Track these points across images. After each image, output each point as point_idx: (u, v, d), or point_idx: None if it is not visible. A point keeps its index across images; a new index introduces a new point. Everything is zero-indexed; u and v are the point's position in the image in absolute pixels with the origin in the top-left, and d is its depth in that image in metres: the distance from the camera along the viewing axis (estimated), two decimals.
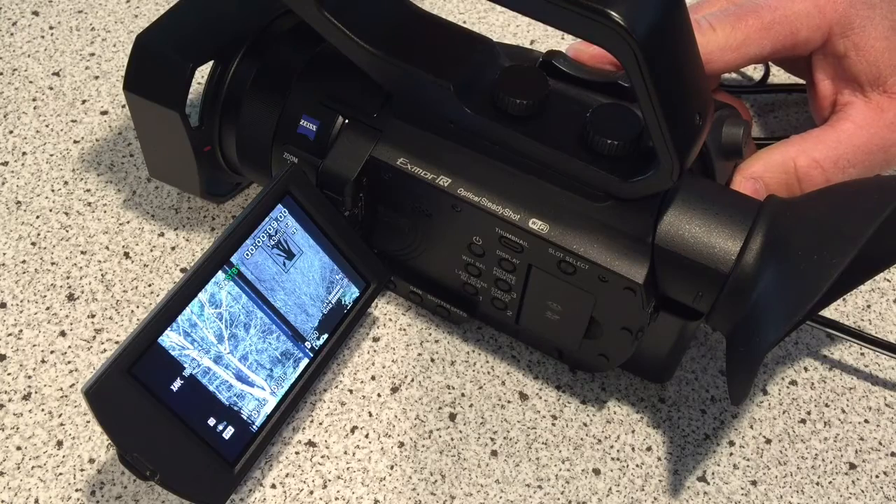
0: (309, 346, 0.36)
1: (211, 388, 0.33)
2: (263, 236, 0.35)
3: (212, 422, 0.33)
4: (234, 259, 0.34)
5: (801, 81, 0.56)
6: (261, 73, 0.38)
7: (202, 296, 0.33)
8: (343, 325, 0.38)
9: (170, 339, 0.31)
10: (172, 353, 0.32)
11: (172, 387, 0.32)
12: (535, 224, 0.33)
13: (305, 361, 0.36)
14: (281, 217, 0.35)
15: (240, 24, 0.39)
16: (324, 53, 0.38)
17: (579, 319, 0.35)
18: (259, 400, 0.34)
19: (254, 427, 0.34)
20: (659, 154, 0.30)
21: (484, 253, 0.36)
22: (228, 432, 0.33)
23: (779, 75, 0.55)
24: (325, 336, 0.37)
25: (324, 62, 0.38)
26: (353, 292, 0.38)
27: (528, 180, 0.34)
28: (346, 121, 0.37)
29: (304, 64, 0.38)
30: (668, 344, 0.36)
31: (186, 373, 0.32)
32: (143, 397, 0.31)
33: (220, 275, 0.33)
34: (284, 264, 0.35)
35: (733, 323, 0.32)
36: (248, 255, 0.34)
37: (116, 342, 0.40)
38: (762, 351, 0.29)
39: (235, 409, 0.34)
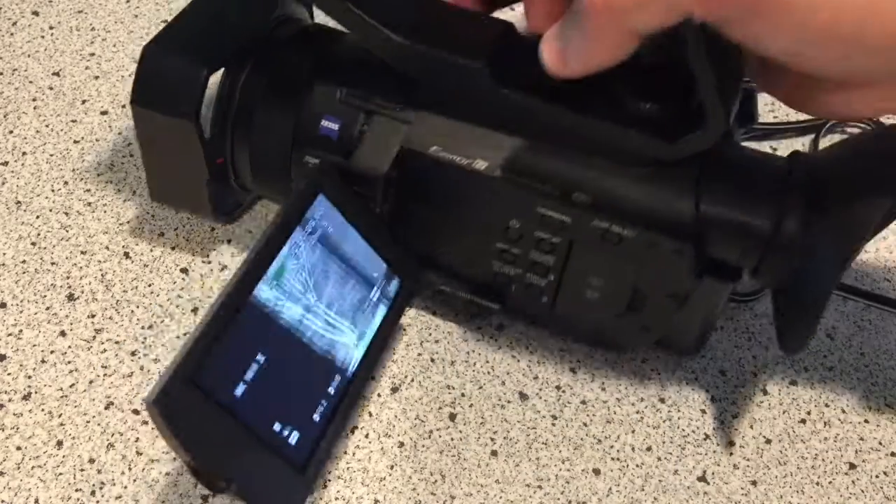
0: (381, 293, 0.36)
1: (305, 338, 0.33)
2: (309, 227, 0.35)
3: (277, 427, 0.32)
4: (307, 215, 0.34)
5: None
6: (273, 80, 0.38)
7: (284, 250, 0.33)
8: (384, 327, 0.37)
9: (263, 293, 0.31)
10: (268, 307, 0.31)
11: (238, 391, 0.31)
12: (579, 196, 0.34)
13: (384, 308, 0.36)
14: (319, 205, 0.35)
15: (245, 33, 0.39)
16: (332, 56, 0.38)
17: (622, 292, 0.35)
18: (347, 346, 0.34)
19: (348, 374, 0.34)
20: (707, 110, 0.30)
21: (521, 237, 0.35)
22: (294, 437, 0.33)
23: None
24: (396, 282, 0.37)
25: (335, 63, 0.38)
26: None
27: (567, 155, 0.34)
28: (371, 116, 0.36)
29: (315, 67, 0.37)
30: (707, 310, 0.36)
31: (261, 358, 0.31)
32: (209, 405, 0.30)
33: (297, 229, 0.33)
34: (341, 223, 0.35)
35: (781, 276, 0.33)
36: (315, 212, 0.34)
37: (117, 342, 0.40)
38: (825, 296, 0.31)
39: (329, 357, 0.33)
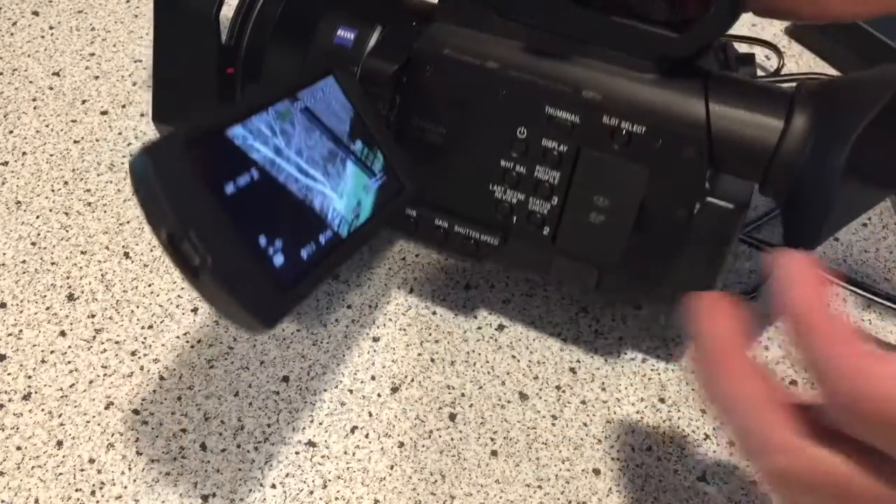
0: (348, 150, 0.35)
1: (280, 179, 0.31)
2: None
3: (263, 242, 0.30)
4: None
5: (816, 70, 0.56)
6: (291, 4, 0.39)
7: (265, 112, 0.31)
8: (377, 220, 0.35)
9: (234, 131, 0.30)
10: (237, 143, 0.29)
11: (228, 188, 0.29)
12: (588, 94, 0.34)
13: (351, 164, 0.35)
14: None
15: None
16: None
17: (629, 210, 0.35)
18: (325, 195, 0.33)
19: (333, 230, 0.32)
20: None
21: (527, 149, 0.35)
22: (279, 259, 0.30)
23: (789, 65, 0.55)
24: (360, 143, 0.35)
25: None
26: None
27: (577, 58, 0.34)
28: (386, 27, 0.37)
29: None
30: (716, 244, 0.35)
31: (252, 161, 0.30)
32: (199, 182, 0.27)
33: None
34: (344, 107, 0.35)
35: (788, 186, 0.33)
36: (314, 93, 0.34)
37: (116, 342, 0.40)
38: (832, 195, 0.31)
39: (307, 201, 0.32)
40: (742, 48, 0.57)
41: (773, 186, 0.34)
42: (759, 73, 0.56)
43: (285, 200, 0.31)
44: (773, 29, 0.60)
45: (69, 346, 0.40)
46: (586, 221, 0.35)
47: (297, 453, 0.37)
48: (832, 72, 0.57)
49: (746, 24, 0.59)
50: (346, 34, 0.38)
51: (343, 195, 0.34)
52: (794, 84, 0.35)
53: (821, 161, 0.32)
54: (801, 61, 0.58)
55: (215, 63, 0.38)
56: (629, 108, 0.33)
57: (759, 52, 0.57)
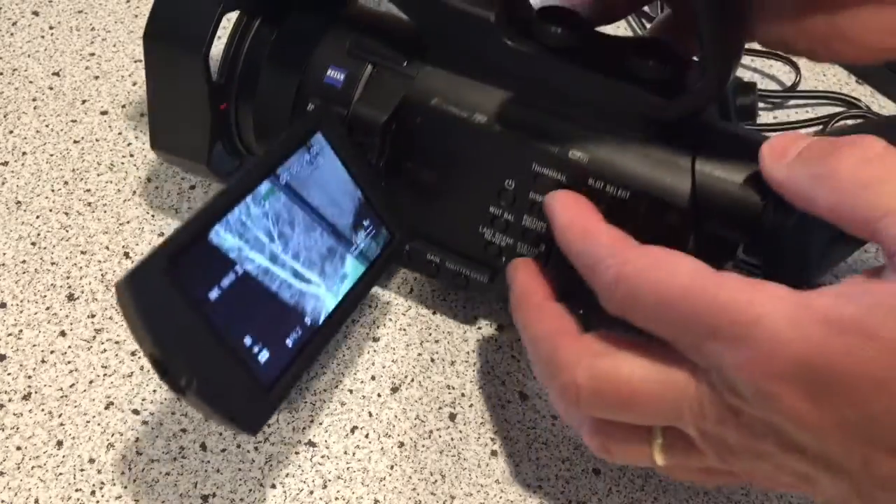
0: (349, 243, 0.36)
1: (273, 287, 0.32)
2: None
3: (248, 341, 0.31)
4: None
5: (832, 89, 0.55)
6: (285, 31, 0.39)
7: (249, 198, 0.32)
8: (367, 277, 0.37)
9: (220, 236, 0.30)
10: (222, 250, 0.30)
11: (212, 294, 0.30)
12: (575, 155, 0.34)
13: (350, 259, 0.35)
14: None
15: None
16: (347, 10, 0.39)
17: None
18: (317, 297, 0.34)
19: (318, 324, 0.33)
20: (706, 60, 0.31)
21: (515, 199, 0.36)
22: (264, 356, 0.31)
23: (809, 80, 0.55)
24: (363, 234, 0.36)
25: (349, 22, 0.38)
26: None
27: (567, 112, 0.34)
28: (376, 68, 0.37)
29: (328, 19, 0.38)
30: None
31: (240, 269, 0.30)
32: (183, 299, 0.28)
33: (265, 182, 0.32)
34: (310, 161, 0.34)
35: (775, 251, 0.33)
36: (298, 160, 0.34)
37: (117, 342, 0.40)
38: (816, 273, 0.31)
39: (299, 308, 0.33)
40: (757, 62, 0.57)
41: (757, 251, 0.34)
42: (776, 87, 0.55)
43: (273, 299, 0.32)
44: None
45: (69, 346, 0.40)
46: (573, 270, 0.36)
47: (297, 453, 0.37)
48: (854, 85, 0.56)
49: None
50: (335, 74, 0.37)
51: (336, 290, 0.35)
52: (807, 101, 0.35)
53: (808, 228, 0.32)
54: (825, 77, 0.58)
55: (206, 99, 0.38)
56: (614, 172, 0.33)
57: (779, 67, 0.56)
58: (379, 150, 0.37)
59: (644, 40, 0.33)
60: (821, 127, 0.51)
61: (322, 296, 0.34)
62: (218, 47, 0.38)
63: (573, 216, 0.32)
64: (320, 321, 0.34)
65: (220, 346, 0.29)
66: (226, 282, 0.30)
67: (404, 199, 0.38)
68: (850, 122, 0.52)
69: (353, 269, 0.35)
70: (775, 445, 0.26)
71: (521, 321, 0.33)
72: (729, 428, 0.27)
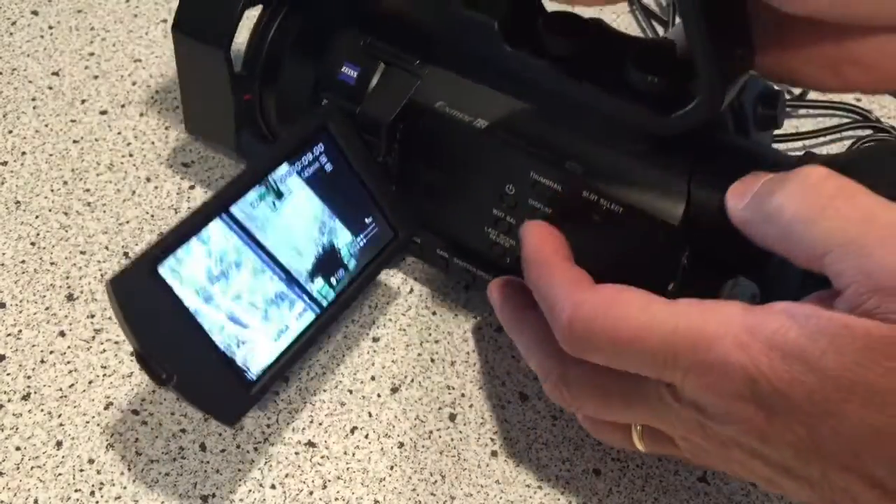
0: (303, 290, 0.36)
1: (205, 327, 0.32)
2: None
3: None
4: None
5: (842, 99, 0.54)
6: (306, 25, 0.39)
7: (194, 237, 0.32)
8: (368, 271, 0.37)
9: (165, 268, 0.31)
10: (167, 282, 0.31)
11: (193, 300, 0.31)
12: (570, 166, 0.34)
13: (302, 305, 0.35)
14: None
15: None
16: (366, 9, 0.39)
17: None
18: (254, 342, 0.34)
19: (249, 375, 0.33)
20: (700, 80, 0.30)
21: (516, 204, 0.36)
22: (247, 356, 0.33)
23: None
24: (321, 280, 0.36)
25: (367, 16, 0.39)
26: (347, 237, 0.37)
27: (565, 121, 0.34)
28: (387, 67, 0.38)
29: (347, 16, 0.39)
30: None
31: (183, 303, 0.31)
32: (168, 299, 0.30)
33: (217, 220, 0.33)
34: (274, 204, 0.35)
35: (770, 272, 0.33)
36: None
37: (116, 342, 0.40)
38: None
39: (228, 354, 0.33)
40: None
41: (752, 274, 0.33)
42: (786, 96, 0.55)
43: (206, 338, 0.33)
44: None
45: (69, 347, 0.40)
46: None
47: (296, 454, 0.37)
48: (863, 95, 0.55)
49: None
50: (349, 71, 0.38)
51: (276, 338, 0.35)
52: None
53: None
54: None
55: (230, 91, 0.39)
56: (609, 185, 0.33)
57: None
58: (386, 149, 0.37)
59: (650, 47, 0.33)
60: (831, 137, 0.51)
61: (258, 342, 0.34)
62: (243, 36, 0.39)
63: (538, 251, 0.32)
64: (253, 373, 0.34)
65: (205, 343, 0.31)
66: (177, 307, 0.31)
67: (415, 196, 0.39)
68: (871, 141, 0.51)
69: (300, 318, 0.36)
70: (742, 453, 0.27)
71: (531, 278, 0.32)
72: (698, 437, 0.28)
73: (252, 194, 0.34)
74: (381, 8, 0.39)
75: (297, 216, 0.35)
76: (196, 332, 0.31)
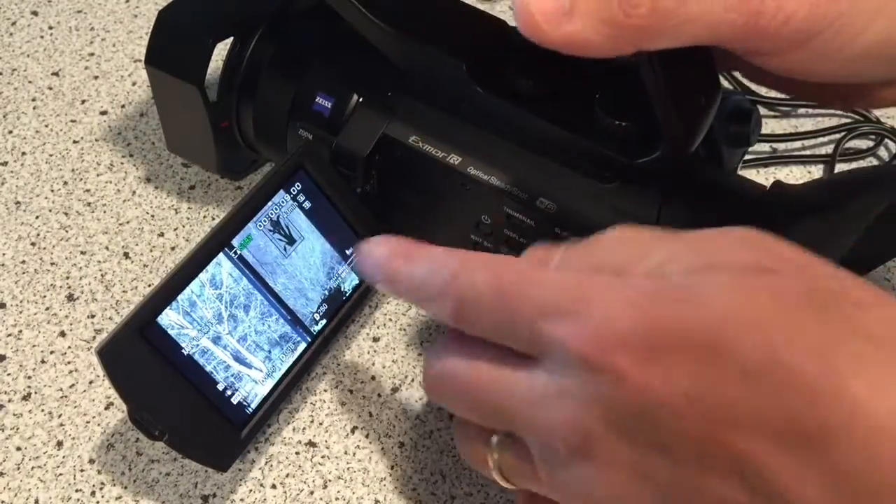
0: (307, 331, 0.37)
1: (208, 367, 0.33)
2: (265, 220, 0.35)
3: (221, 386, 0.34)
4: (235, 242, 0.34)
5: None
6: (278, 51, 0.39)
7: (203, 276, 0.33)
8: (351, 301, 0.38)
9: (168, 318, 0.32)
10: (171, 332, 0.32)
11: (180, 356, 0.32)
12: (543, 203, 0.34)
13: (303, 345, 0.37)
14: (283, 202, 0.36)
15: (257, 3, 0.40)
16: (340, 34, 0.39)
17: None
18: (255, 381, 0.35)
19: (249, 409, 0.35)
20: (664, 133, 0.30)
21: (492, 232, 0.36)
22: (237, 398, 0.34)
23: None
24: (325, 321, 0.37)
25: (341, 42, 0.39)
26: (355, 279, 0.38)
27: (536, 160, 0.34)
28: (361, 99, 0.38)
29: (321, 43, 0.39)
30: None
31: (185, 352, 0.32)
32: (155, 358, 0.31)
33: (221, 256, 0.34)
34: (285, 249, 0.36)
35: None
36: (249, 238, 0.35)
37: None
38: None
39: (230, 391, 0.34)
40: None
41: None
42: (784, 95, 0.55)
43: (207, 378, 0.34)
44: None
45: (69, 347, 0.40)
46: None
47: (297, 453, 0.37)
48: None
49: None
50: (323, 101, 0.38)
51: (275, 375, 0.36)
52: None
53: None
54: None
55: (208, 121, 0.40)
56: (580, 223, 0.33)
57: None
58: (363, 180, 0.37)
59: (620, 86, 0.33)
60: (830, 138, 0.51)
61: (259, 381, 0.35)
62: (216, 63, 0.39)
63: (388, 250, 0.29)
64: (251, 408, 0.35)
65: (194, 395, 0.33)
66: (184, 351, 0.32)
67: (396, 221, 0.39)
68: (871, 141, 0.52)
69: (295, 352, 0.37)
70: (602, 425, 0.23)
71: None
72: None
73: (262, 237, 0.35)
74: (352, 37, 0.38)
75: (305, 260, 0.37)
76: (187, 386, 0.32)
